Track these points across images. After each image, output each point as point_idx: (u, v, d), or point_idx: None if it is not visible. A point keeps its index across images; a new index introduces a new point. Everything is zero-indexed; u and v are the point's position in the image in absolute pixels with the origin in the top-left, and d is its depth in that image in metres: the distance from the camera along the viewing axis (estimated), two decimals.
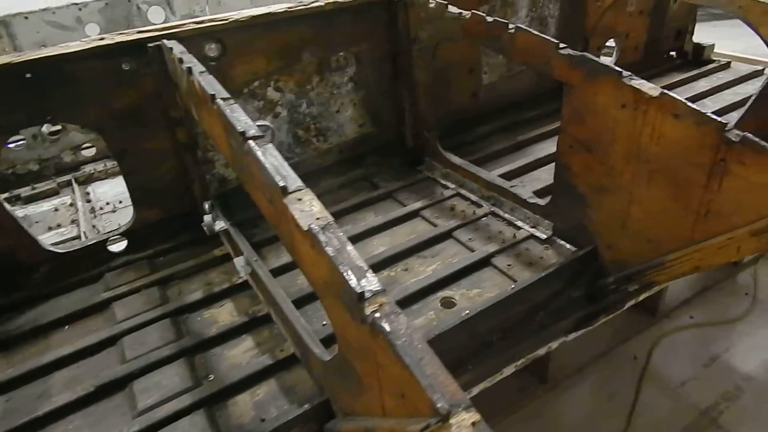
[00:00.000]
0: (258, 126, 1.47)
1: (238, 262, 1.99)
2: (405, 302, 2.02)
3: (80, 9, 3.24)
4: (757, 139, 1.41)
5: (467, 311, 1.84)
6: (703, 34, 4.54)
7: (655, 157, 1.68)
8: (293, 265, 2.29)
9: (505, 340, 1.91)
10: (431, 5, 2.43)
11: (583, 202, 2.04)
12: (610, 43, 3.92)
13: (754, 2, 2.51)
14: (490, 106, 3.33)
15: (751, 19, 2.55)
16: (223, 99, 1.53)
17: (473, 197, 2.61)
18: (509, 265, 2.15)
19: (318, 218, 1.12)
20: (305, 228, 1.09)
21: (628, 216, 1.86)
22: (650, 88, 1.63)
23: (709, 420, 2.82)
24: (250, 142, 1.32)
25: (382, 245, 2.39)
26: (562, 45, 1.89)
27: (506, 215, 2.43)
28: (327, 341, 1.80)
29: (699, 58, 4.23)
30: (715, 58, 4.29)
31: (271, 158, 1.29)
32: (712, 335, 3.39)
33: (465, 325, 1.80)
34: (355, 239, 2.43)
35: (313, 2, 2.42)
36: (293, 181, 1.22)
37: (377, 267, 2.23)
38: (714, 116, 1.49)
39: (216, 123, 1.56)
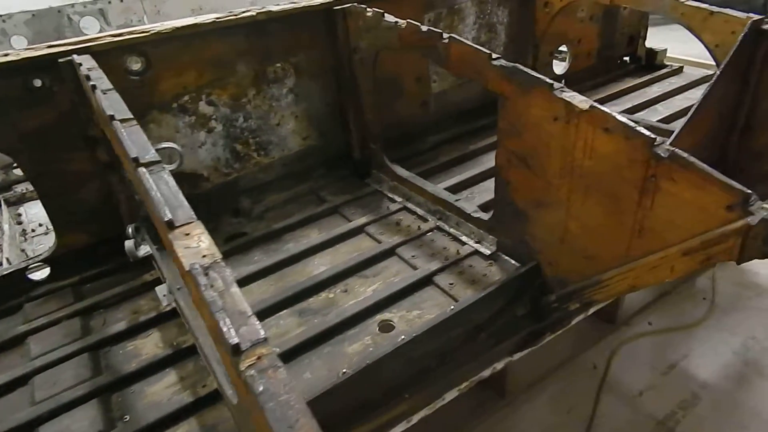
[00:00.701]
0: (161, 149, 1.36)
1: (160, 290, 1.87)
2: (342, 327, 1.92)
3: (4, 21, 3.04)
4: (685, 155, 1.35)
5: (403, 336, 1.75)
6: (658, 37, 4.57)
7: (589, 171, 1.62)
8: None
9: (446, 364, 1.82)
10: (368, 14, 2.35)
11: (524, 218, 1.97)
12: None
13: (696, 9, 2.49)
14: (442, 115, 3.26)
15: (693, 26, 2.53)
16: (123, 120, 1.41)
17: (419, 211, 2.53)
18: (451, 284, 2.07)
19: (204, 255, 1.01)
20: (186, 267, 0.98)
21: (567, 232, 1.79)
22: (581, 101, 1.57)
23: (666, 430, 2.79)
24: (141, 169, 1.20)
25: (323, 264, 2.29)
26: (495, 56, 1.82)
27: (451, 230, 2.36)
28: None
29: (652, 63, 4.25)
30: (668, 63, 4.31)
31: (163, 187, 1.18)
32: (670, 341, 3.37)
33: (401, 351, 1.71)
34: (296, 258, 2.33)
35: (243, 12, 2.31)
36: (184, 212, 1.11)
37: (316, 288, 2.13)
38: (643, 130, 1.43)
39: (117, 145, 1.43)
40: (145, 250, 2.05)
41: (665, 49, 4.29)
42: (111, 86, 1.63)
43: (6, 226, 2.85)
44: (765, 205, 1.25)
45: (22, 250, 2.79)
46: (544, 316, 1.97)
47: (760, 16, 2.28)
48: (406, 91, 3.04)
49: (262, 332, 0.89)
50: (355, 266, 2.22)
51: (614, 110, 3.58)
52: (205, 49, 2.28)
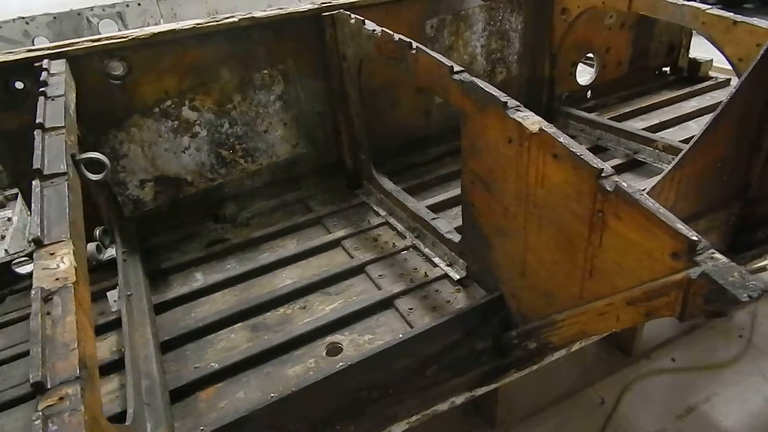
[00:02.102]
0: (85, 159, 1.34)
1: (111, 296, 1.87)
2: (289, 346, 1.85)
3: (27, 23, 3.21)
4: (630, 190, 1.18)
5: (342, 363, 1.65)
6: (706, 46, 4.18)
7: (543, 201, 1.46)
8: (193, 296, 2.17)
9: (388, 396, 1.71)
10: (351, 21, 2.26)
11: (488, 244, 1.82)
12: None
13: (718, 18, 2.22)
14: (445, 126, 3.11)
15: (714, 37, 2.27)
16: (50, 128, 1.40)
17: (400, 227, 2.42)
18: (411, 309, 1.94)
19: (57, 278, 0.97)
20: (33, 291, 0.94)
21: (526, 264, 1.63)
22: (532, 123, 1.41)
23: None
24: (35, 181, 1.18)
25: (290, 277, 2.23)
26: (457, 68, 1.69)
27: (426, 250, 2.23)
28: (179, 393, 1.66)
29: (695, 75, 3.89)
30: (714, 75, 3.94)
31: (53, 202, 1.15)
32: (693, 382, 3.05)
33: (337, 379, 1.62)
34: (266, 269, 2.29)
35: (225, 19, 2.29)
36: (59, 230, 1.07)
37: (276, 303, 2.07)
38: (590, 159, 1.26)
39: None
40: (109, 254, 2.06)
41: (711, 60, 3.92)
42: (63, 93, 1.64)
43: (16, 218, 2.99)
44: (717, 255, 1.06)
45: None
46: (507, 352, 1.81)
47: None
48: (407, 100, 2.93)
49: (78, 371, 0.83)
50: (320, 282, 2.15)
51: (639, 125, 3.33)
52: (185, 55, 2.28)
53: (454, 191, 2.71)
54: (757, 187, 2.27)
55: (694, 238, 1.05)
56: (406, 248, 2.29)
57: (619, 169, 2.82)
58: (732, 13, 2.23)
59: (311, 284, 2.13)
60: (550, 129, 1.36)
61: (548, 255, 1.52)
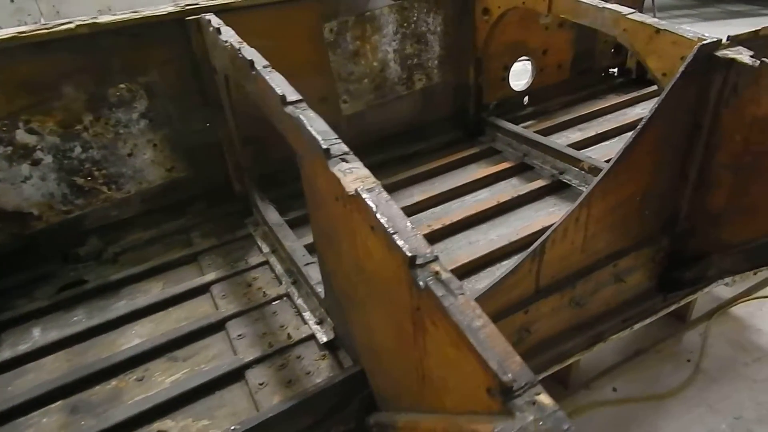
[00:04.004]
0: None
1: None
2: None
3: None
4: (441, 292, 0.85)
5: None
6: None
7: (373, 277, 1.13)
8: (17, 362, 1.81)
9: None
10: (211, 29, 1.89)
11: (342, 307, 1.49)
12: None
13: (640, 25, 1.89)
14: (358, 140, 2.74)
15: (637, 48, 1.94)
16: None
17: (279, 269, 2.07)
18: (262, 384, 1.61)
19: None
20: None
21: (374, 342, 1.31)
22: (351, 180, 1.07)
23: None
24: None
25: (140, 335, 1.88)
26: (292, 98, 1.34)
27: (298, 301, 1.89)
28: None
29: (644, 77, 3.58)
30: None
31: None
32: (636, 414, 2.76)
33: None
34: (114, 324, 1.93)
35: (61, 25, 1.90)
36: None
37: (110, 372, 1.73)
38: (401, 242, 0.92)
39: None
40: None
41: None
42: None
43: None
44: (542, 399, 0.73)
45: None
46: None
47: (711, 39, 1.67)
48: None
49: None
50: (170, 343, 1.80)
51: (577, 136, 3.00)
52: (12, 70, 1.90)
53: None
54: (686, 220, 1.96)
55: (507, 380, 0.72)
56: (279, 297, 1.95)
57: (543, 192, 2.51)
58: (657, 19, 1.91)
59: (158, 347, 1.79)
60: (367, 193, 1.02)
61: (388, 341, 1.19)
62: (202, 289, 2.06)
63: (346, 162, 1.13)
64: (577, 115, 3.21)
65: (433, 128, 2.96)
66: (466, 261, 2.03)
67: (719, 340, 3.10)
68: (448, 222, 2.27)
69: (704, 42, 1.65)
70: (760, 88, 1.59)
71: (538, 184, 2.51)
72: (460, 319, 0.81)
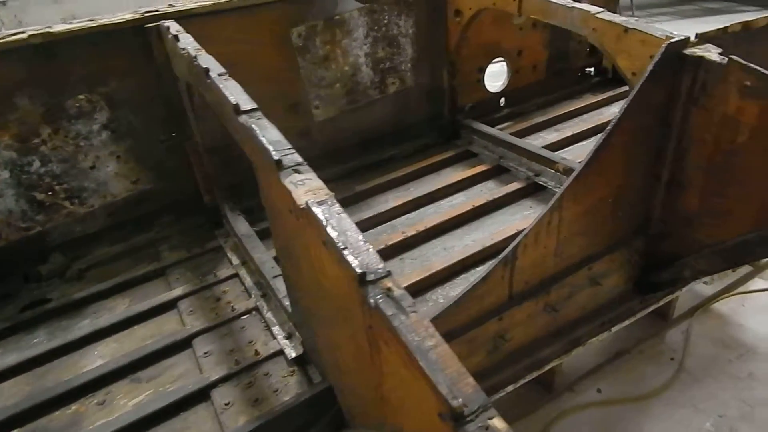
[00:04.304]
0: None
1: None
2: None
3: None
4: (390, 312, 0.80)
5: None
6: None
7: (329, 293, 1.08)
8: None
9: None
10: (170, 36, 1.83)
11: (309, 322, 1.43)
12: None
13: (609, 24, 1.87)
14: (331, 146, 2.71)
15: (607, 47, 1.92)
16: None
17: (248, 282, 2.01)
18: (227, 404, 1.55)
19: None
20: None
21: (339, 359, 1.25)
22: (303, 192, 1.02)
23: None
24: None
25: (103, 356, 1.81)
26: (246, 107, 1.28)
27: (268, 315, 1.83)
28: None
29: (621, 76, 3.56)
30: None
31: None
32: (621, 415, 2.73)
33: None
34: (76, 345, 1.87)
35: (12, 35, 1.83)
36: None
37: (71, 396, 1.66)
38: (352, 258, 0.87)
39: None
40: None
41: None
42: None
43: None
44: (496, 422, 0.69)
45: None
46: None
47: (680, 37, 1.65)
48: (277, 119, 2.49)
49: None
50: (134, 363, 1.74)
51: (553, 137, 2.97)
52: None
53: None
54: (660, 222, 1.94)
55: (457, 406, 0.68)
56: (249, 311, 1.89)
57: (519, 195, 2.48)
58: (626, 18, 1.88)
59: (122, 367, 1.72)
60: (318, 206, 0.97)
61: (349, 359, 1.14)
62: (170, 305, 1.99)
63: (299, 173, 1.08)
64: (554, 115, 3.19)
65: (408, 132, 2.92)
66: (440, 268, 1.98)
67: (702, 337, 3.09)
68: (422, 228, 2.22)
69: (672, 40, 1.62)
70: (728, 86, 1.56)
71: (514, 186, 2.47)
72: (410, 340, 0.76)
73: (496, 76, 3.55)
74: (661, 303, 2.25)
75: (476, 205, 2.33)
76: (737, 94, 1.55)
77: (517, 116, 3.24)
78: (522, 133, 3.02)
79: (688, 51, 1.63)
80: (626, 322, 2.16)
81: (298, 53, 2.44)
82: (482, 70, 3.06)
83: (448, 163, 2.79)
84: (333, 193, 1.03)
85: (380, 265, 0.88)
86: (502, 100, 3.26)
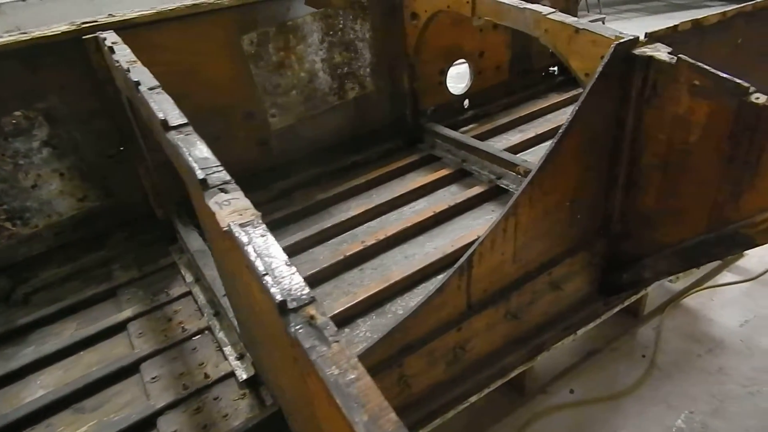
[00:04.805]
0: None
1: None
2: None
3: None
4: (316, 338, 0.74)
5: None
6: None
7: (261, 318, 1.01)
8: None
9: None
10: (107, 46, 1.75)
11: (254, 342, 1.37)
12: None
13: (561, 25, 1.84)
14: (292, 155, 2.65)
15: (560, 49, 1.89)
16: None
17: (201, 300, 1.94)
18: None
19: None
20: None
21: (283, 384, 1.19)
22: (227, 214, 0.96)
23: None
24: None
25: (45, 385, 1.72)
26: (174, 122, 1.21)
27: (220, 335, 1.76)
28: None
29: None
30: None
31: None
32: (595, 416, 2.70)
33: None
34: (17, 375, 1.77)
35: None
36: None
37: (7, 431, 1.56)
38: (273, 284, 0.81)
39: None
40: None
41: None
42: None
43: None
44: None
45: None
46: None
47: (628, 37, 1.63)
48: (233, 129, 2.44)
49: None
50: (79, 391, 1.65)
51: (517, 138, 2.93)
52: None
53: (292, 238, 2.26)
54: (619, 223, 1.92)
55: None
56: (201, 332, 1.81)
57: (481, 198, 2.44)
58: (576, 18, 1.86)
59: (64, 397, 1.63)
60: (240, 228, 0.91)
61: (289, 384, 1.08)
62: (119, 328, 1.91)
63: (225, 192, 1.02)
64: (518, 116, 3.17)
65: (370, 138, 2.87)
66: (399, 278, 1.93)
67: (672, 333, 3.09)
68: (383, 236, 2.17)
69: (621, 41, 1.60)
70: (678, 86, 1.54)
71: (477, 190, 2.44)
72: (328, 374, 0.70)
73: (463, 77, 3.52)
74: (626, 304, 2.24)
75: (437, 211, 2.28)
76: (687, 94, 1.53)
77: (482, 118, 3.21)
78: (486, 135, 2.99)
79: (638, 51, 1.60)
80: (591, 325, 2.14)
81: (250, 61, 2.37)
82: (444, 73, 3.02)
83: (412, 168, 2.75)
84: (260, 213, 0.97)
85: (304, 292, 0.82)
86: (467, 101, 3.23)
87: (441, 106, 3.07)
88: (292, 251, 2.20)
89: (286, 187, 2.63)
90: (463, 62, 3.15)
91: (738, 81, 1.42)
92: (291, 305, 0.80)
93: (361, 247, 2.12)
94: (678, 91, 1.55)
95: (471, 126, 3.14)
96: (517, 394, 2.78)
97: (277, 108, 2.54)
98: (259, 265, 0.85)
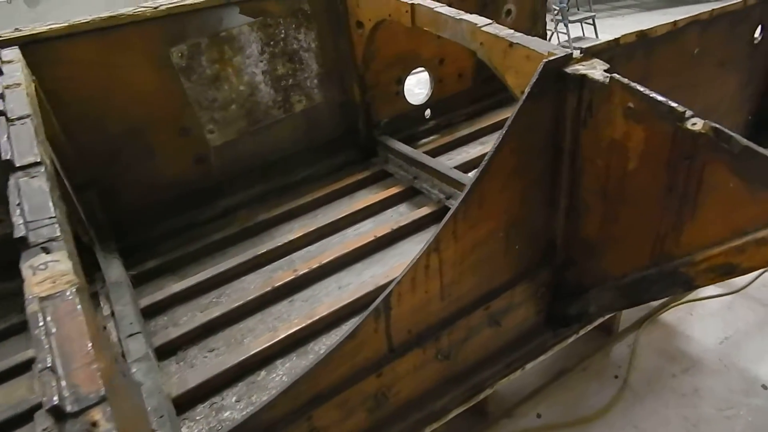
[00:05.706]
0: None
1: None
2: None
3: None
4: None
5: None
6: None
7: None
8: None
9: None
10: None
11: None
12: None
13: (495, 38, 1.69)
14: (232, 172, 2.50)
15: (495, 63, 1.74)
16: None
17: (114, 337, 1.79)
18: None
19: None
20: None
21: None
22: (38, 281, 0.82)
23: None
24: None
25: None
26: (22, 161, 1.07)
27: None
28: None
29: None
30: None
31: None
32: None
33: None
34: None
35: None
36: None
37: None
38: (53, 381, 0.68)
39: None
40: None
41: None
42: None
43: None
44: None
45: None
46: None
47: (560, 53, 1.48)
48: (168, 146, 2.30)
49: None
50: None
51: (477, 151, 2.77)
52: None
53: (218, 267, 2.12)
54: (563, 250, 1.77)
55: None
56: None
57: (429, 220, 2.30)
58: (512, 31, 1.70)
59: None
60: (39, 304, 0.77)
61: None
62: (26, 366, 1.77)
63: (47, 252, 0.88)
64: (481, 126, 3.02)
65: (322, 151, 2.72)
66: (325, 313, 1.79)
67: (648, 350, 2.95)
68: (316, 264, 2.02)
69: (551, 58, 1.45)
70: (612, 107, 1.40)
71: (425, 211, 2.29)
72: None
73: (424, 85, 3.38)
74: (581, 334, 2.09)
75: (378, 235, 2.14)
76: (622, 117, 1.38)
77: (444, 128, 3.06)
78: (446, 148, 2.85)
79: (570, 69, 1.45)
80: (540, 359, 1.99)
81: (181, 74, 2.22)
82: (401, 81, 2.87)
83: (363, 184, 2.60)
84: (79, 282, 0.83)
85: (92, 390, 0.68)
86: (428, 111, 3.08)
87: (399, 117, 2.92)
88: (222, 279, 2.06)
89: (230, 206, 2.49)
90: (423, 70, 3.00)
91: (673, 105, 1.27)
92: (70, 408, 0.66)
93: (293, 276, 1.98)
94: (612, 113, 1.41)
95: (432, 137, 2.99)
96: (480, 419, 2.63)
97: (215, 123, 2.39)
98: (42, 358, 0.71)
